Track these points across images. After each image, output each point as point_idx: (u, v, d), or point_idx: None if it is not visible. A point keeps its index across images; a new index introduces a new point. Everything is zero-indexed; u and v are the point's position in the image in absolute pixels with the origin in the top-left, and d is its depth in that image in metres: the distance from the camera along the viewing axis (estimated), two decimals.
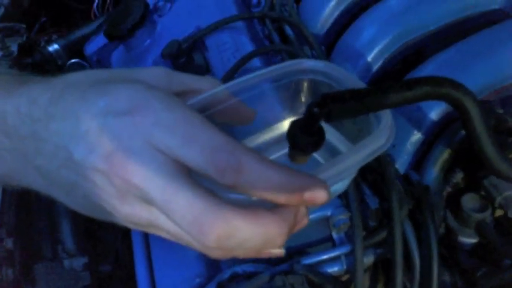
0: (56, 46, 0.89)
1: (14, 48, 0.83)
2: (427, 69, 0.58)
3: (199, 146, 0.31)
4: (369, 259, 0.48)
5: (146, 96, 0.33)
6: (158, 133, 0.32)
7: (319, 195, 0.31)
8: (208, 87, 0.41)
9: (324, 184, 0.32)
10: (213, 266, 0.50)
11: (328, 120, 0.35)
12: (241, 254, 0.33)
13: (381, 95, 0.36)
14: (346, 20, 0.70)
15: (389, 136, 0.36)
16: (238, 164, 0.31)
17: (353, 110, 0.36)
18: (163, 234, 0.35)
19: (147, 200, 0.32)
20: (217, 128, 0.32)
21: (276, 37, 0.69)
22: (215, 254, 0.33)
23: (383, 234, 0.47)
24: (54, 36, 0.96)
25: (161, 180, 0.31)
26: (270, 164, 0.31)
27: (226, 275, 0.47)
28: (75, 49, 0.90)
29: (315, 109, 0.35)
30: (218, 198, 0.31)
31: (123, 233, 0.65)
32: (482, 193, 0.50)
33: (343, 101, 0.35)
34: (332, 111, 0.35)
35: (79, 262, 0.62)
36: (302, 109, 0.46)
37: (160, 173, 0.31)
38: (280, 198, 0.31)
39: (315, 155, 0.44)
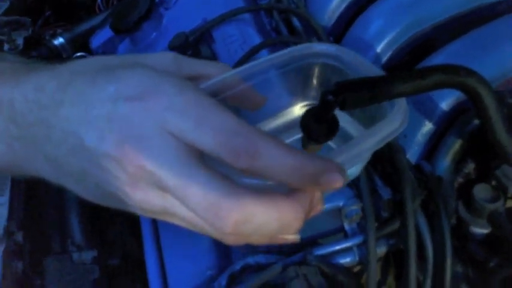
0: (61, 40, 0.88)
1: (20, 41, 0.82)
2: (436, 60, 0.58)
3: (213, 129, 0.31)
4: (381, 250, 0.48)
5: (158, 81, 0.33)
6: (171, 117, 0.31)
7: (336, 179, 0.31)
8: (217, 72, 0.40)
9: (340, 168, 0.31)
10: (224, 257, 0.50)
11: (343, 108, 0.35)
12: (256, 240, 0.33)
13: (396, 83, 0.36)
14: (353, 12, 0.70)
15: (403, 120, 0.36)
16: (254, 148, 0.30)
17: (367, 99, 0.35)
18: (177, 222, 0.34)
19: (161, 186, 0.31)
20: (231, 112, 0.32)
21: (283, 29, 0.68)
22: (230, 240, 0.33)
23: (395, 225, 0.47)
24: (59, 30, 0.95)
25: (175, 166, 0.31)
26: (286, 148, 0.31)
27: (238, 266, 0.47)
28: (80, 43, 0.90)
29: (330, 97, 0.35)
30: (234, 182, 0.31)
31: (132, 226, 0.65)
32: (494, 183, 0.50)
33: (357, 90, 0.35)
34: (346, 100, 0.35)
35: (88, 255, 0.62)
36: (313, 94, 0.45)
37: (174, 158, 0.31)
38: (296, 182, 0.31)
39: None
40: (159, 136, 0.31)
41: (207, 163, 0.32)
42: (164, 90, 0.32)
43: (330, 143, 0.43)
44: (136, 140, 0.31)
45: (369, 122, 0.40)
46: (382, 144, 0.35)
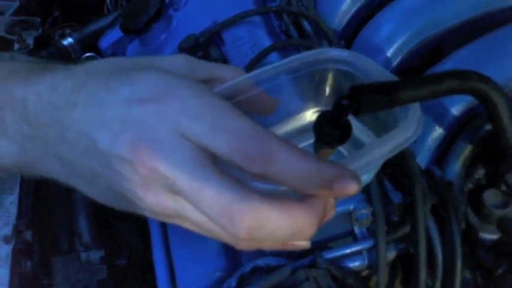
0: (70, 40, 0.89)
1: (30, 41, 0.83)
2: (447, 65, 0.58)
3: (228, 133, 0.31)
4: (391, 254, 0.48)
5: (172, 84, 0.33)
6: (185, 120, 0.31)
7: (350, 186, 0.31)
8: (231, 76, 0.40)
9: (354, 175, 0.31)
10: (233, 259, 0.50)
11: (357, 113, 0.35)
12: (268, 245, 0.33)
13: (409, 88, 0.36)
14: (364, 15, 0.70)
15: (417, 127, 0.36)
16: (268, 152, 0.30)
17: (382, 103, 0.35)
18: (189, 226, 0.34)
19: (174, 190, 0.31)
20: (245, 116, 0.32)
21: (293, 32, 0.68)
22: (243, 245, 0.33)
23: (406, 229, 0.47)
24: (68, 30, 0.96)
25: (189, 169, 0.31)
26: (300, 153, 0.31)
27: (247, 268, 0.47)
28: (89, 43, 0.90)
29: (344, 101, 0.35)
30: (247, 187, 0.31)
31: (140, 226, 0.65)
32: (504, 189, 0.50)
33: (372, 94, 0.35)
34: (361, 104, 0.35)
35: (96, 255, 0.62)
36: (325, 99, 0.45)
37: (187, 161, 0.31)
38: (310, 188, 0.31)
39: (339, 147, 0.44)
40: (173, 139, 0.31)
41: (220, 166, 0.32)
42: (179, 93, 0.32)
43: (342, 150, 0.43)
44: (150, 142, 0.31)
45: (380, 129, 0.40)
46: (395, 152, 0.35)
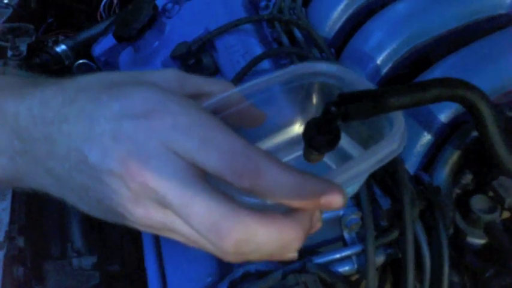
0: (63, 47, 0.89)
1: (23, 48, 0.83)
2: (436, 72, 0.59)
3: (217, 150, 0.31)
4: (379, 259, 0.48)
5: (162, 100, 0.33)
6: (176, 136, 0.32)
7: (336, 200, 0.31)
8: (220, 90, 0.41)
9: (340, 189, 0.32)
10: (224, 264, 0.50)
11: (345, 119, 0.36)
12: (256, 258, 0.34)
13: (397, 95, 0.36)
14: (354, 24, 0.71)
15: (401, 141, 0.37)
16: (256, 168, 0.31)
17: (369, 110, 0.36)
18: (178, 238, 0.34)
19: (163, 204, 0.32)
20: (234, 132, 0.32)
21: (285, 39, 0.69)
22: (230, 258, 0.33)
23: (394, 235, 0.48)
24: (61, 37, 0.96)
25: (179, 184, 0.31)
26: (287, 168, 0.31)
27: (238, 273, 0.47)
28: (82, 50, 0.90)
29: (333, 108, 0.36)
30: (236, 202, 0.31)
31: (132, 232, 0.65)
32: (491, 194, 0.51)
33: (360, 101, 0.36)
34: (349, 111, 0.35)
35: (88, 261, 0.62)
36: (313, 112, 0.46)
37: (177, 176, 0.31)
38: (297, 202, 0.32)
39: (326, 160, 0.44)
40: (163, 154, 0.32)
41: (209, 181, 0.32)
42: (169, 109, 0.33)
43: (330, 163, 0.44)
44: (140, 157, 0.32)
45: (366, 142, 0.41)
46: (381, 165, 0.36)
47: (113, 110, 0.33)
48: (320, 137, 0.37)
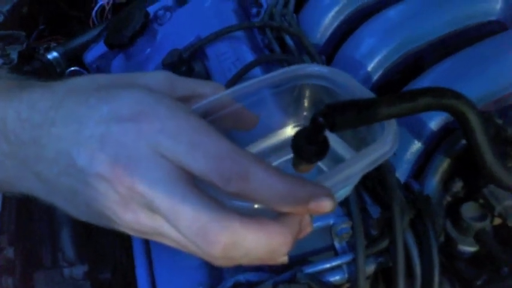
0: (55, 54, 0.89)
1: (14, 55, 0.83)
2: (427, 79, 0.59)
3: (205, 153, 0.31)
4: (370, 268, 0.48)
5: (151, 103, 0.33)
6: (164, 140, 0.32)
7: (325, 204, 0.31)
8: (211, 92, 0.41)
9: (329, 193, 0.32)
10: (215, 274, 0.50)
11: (333, 129, 0.36)
12: (246, 262, 0.34)
13: (385, 106, 0.36)
14: (345, 30, 0.71)
15: (393, 143, 0.37)
16: (244, 172, 0.31)
17: (357, 120, 0.36)
18: (167, 242, 0.34)
19: (152, 208, 0.32)
20: (222, 136, 0.32)
21: (276, 46, 0.69)
22: (219, 263, 0.33)
23: (385, 243, 0.48)
24: (53, 44, 0.96)
25: (167, 188, 0.31)
26: (276, 173, 0.31)
27: (229, 283, 0.47)
28: (74, 57, 0.90)
29: (320, 119, 0.35)
30: (224, 207, 0.31)
31: (123, 241, 0.65)
32: (481, 202, 0.51)
33: (347, 112, 0.35)
34: (336, 121, 0.35)
35: (79, 271, 0.62)
36: (304, 114, 0.46)
37: (165, 180, 0.31)
38: (285, 207, 0.32)
39: (318, 162, 0.44)
40: (151, 158, 0.32)
41: (197, 185, 0.32)
42: (158, 113, 0.32)
43: (321, 165, 0.44)
44: (128, 161, 0.31)
45: (359, 144, 0.41)
46: (372, 168, 0.36)
47: (102, 113, 0.33)
48: (309, 147, 0.37)
